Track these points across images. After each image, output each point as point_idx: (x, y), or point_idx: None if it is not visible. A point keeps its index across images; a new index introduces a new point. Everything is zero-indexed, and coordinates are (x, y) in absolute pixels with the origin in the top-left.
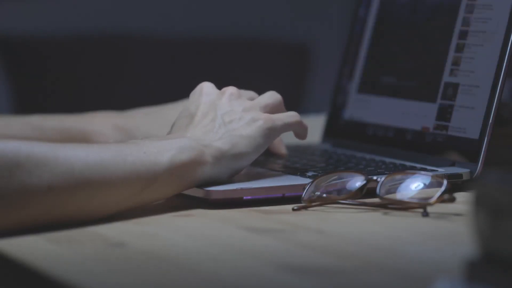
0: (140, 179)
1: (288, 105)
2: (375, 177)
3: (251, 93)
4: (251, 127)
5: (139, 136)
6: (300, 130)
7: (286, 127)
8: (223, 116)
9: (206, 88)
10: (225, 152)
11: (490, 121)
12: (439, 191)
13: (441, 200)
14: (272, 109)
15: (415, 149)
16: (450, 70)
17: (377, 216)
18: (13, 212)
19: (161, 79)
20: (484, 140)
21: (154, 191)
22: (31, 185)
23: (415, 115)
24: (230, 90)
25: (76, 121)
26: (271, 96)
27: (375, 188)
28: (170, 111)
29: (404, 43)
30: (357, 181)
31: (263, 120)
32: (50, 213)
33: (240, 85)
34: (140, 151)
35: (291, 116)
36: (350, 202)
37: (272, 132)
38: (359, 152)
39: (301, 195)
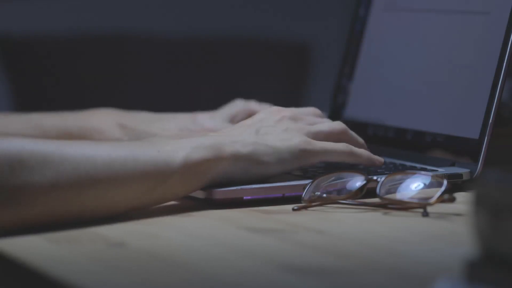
0: (151, 178)
1: (288, 105)
2: (375, 177)
3: (317, 119)
4: (282, 143)
5: (140, 136)
6: (349, 161)
7: (324, 154)
8: (260, 128)
9: (270, 108)
10: (243, 154)
11: (490, 121)
12: (439, 191)
13: (441, 200)
14: (325, 138)
15: (415, 149)
16: (450, 69)
17: (377, 216)
18: (16, 209)
19: (161, 79)
20: (484, 140)
21: (166, 191)
22: (33, 183)
23: (416, 115)
24: (287, 112)
25: (76, 119)
26: (331, 125)
27: (375, 188)
28: (170, 119)
29: (404, 43)
30: (357, 181)
31: (298, 141)
32: (54, 212)
33: (240, 85)
34: (154, 150)
35: (336, 145)
36: (350, 202)
37: (305, 154)
38: None
39: (301, 195)
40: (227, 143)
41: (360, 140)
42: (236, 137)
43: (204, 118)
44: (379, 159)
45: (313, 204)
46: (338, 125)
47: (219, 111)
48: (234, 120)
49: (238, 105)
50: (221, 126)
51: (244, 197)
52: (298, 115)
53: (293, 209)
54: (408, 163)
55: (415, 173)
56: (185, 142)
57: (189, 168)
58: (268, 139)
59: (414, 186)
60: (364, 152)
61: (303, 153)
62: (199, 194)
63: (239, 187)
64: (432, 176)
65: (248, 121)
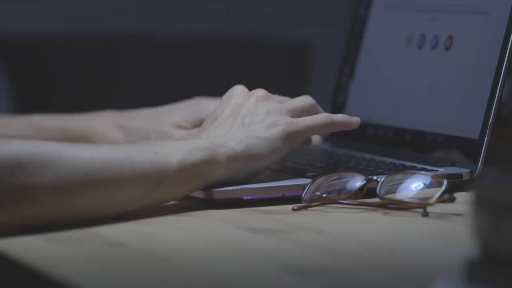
0: (149, 180)
1: None
2: (375, 177)
3: (283, 98)
4: (271, 130)
5: (143, 135)
6: (330, 132)
7: (310, 131)
8: (243, 118)
9: (236, 91)
10: (239, 152)
11: (490, 121)
12: (439, 191)
13: (441, 200)
14: (301, 113)
15: (415, 149)
16: (450, 69)
17: (377, 216)
18: (16, 211)
19: (161, 79)
20: (484, 140)
21: (164, 192)
22: (33, 185)
23: (416, 115)
24: (258, 92)
25: (77, 121)
26: (302, 100)
27: (375, 188)
28: (173, 112)
29: (404, 43)
30: (357, 181)
31: (284, 124)
32: (54, 213)
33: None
34: (151, 152)
35: (317, 119)
36: (350, 202)
37: (293, 136)
38: (359, 152)
39: (301, 195)
40: (221, 143)
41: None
42: (227, 135)
43: (206, 103)
44: (356, 119)
45: (313, 204)
46: (308, 99)
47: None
48: None
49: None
50: None
51: (244, 197)
52: (264, 92)
53: (293, 209)
54: (408, 163)
55: (415, 173)
56: (182, 144)
57: (186, 170)
58: (256, 130)
59: (414, 186)
60: (341, 117)
61: (291, 135)
62: (199, 194)
63: (239, 187)
64: (432, 176)
65: (226, 113)
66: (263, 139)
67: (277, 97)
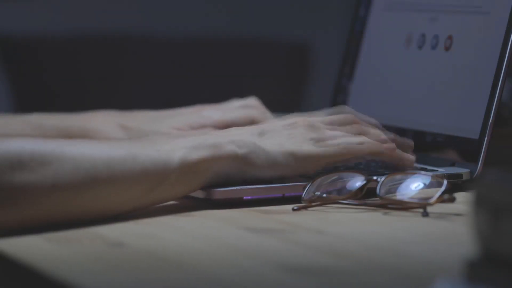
0: (150, 178)
1: (288, 105)
2: (375, 177)
3: (333, 133)
4: (277, 147)
5: (143, 136)
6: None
7: (320, 160)
8: (265, 132)
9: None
10: (238, 155)
11: (490, 121)
12: (439, 191)
13: (441, 200)
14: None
15: (415, 149)
16: (450, 69)
17: (377, 216)
18: (16, 211)
19: (161, 79)
20: (484, 140)
21: (165, 191)
22: (33, 183)
23: (416, 115)
24: (301, 120)
25: (76, 120)
26: (346, 140)
27: (375, 188)
28: (175, 115)
29: (404, 43)
30: (357, 181)
31: (290, 145)
32: (54, 212)
33: (240, 85)
34: (153, 150)
35: (333, 150)
36: (350, 202)
37: (300, 162)
38: None
39: (301, 195)
40: (225, 142)
41: (372, 121)
42: (234, 136)
43: (210, 110)
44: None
45: (313, 204)
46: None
47: (227, 103)
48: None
49: (251, 101)
50: (229, 117)
51: (244, 197)
52: (316, 123)
53: (293, 209)
54: None
55: (415, 173)
56: (184, 141)
57: (187, 167)
58: (266, 143)
59: (414, 186)
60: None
61: (298, 160)
62: (199, 194)
63: (239, 187)
64: (432, 176)
65: (260, 124)
66: (264, 151)
67: (327, 132)
